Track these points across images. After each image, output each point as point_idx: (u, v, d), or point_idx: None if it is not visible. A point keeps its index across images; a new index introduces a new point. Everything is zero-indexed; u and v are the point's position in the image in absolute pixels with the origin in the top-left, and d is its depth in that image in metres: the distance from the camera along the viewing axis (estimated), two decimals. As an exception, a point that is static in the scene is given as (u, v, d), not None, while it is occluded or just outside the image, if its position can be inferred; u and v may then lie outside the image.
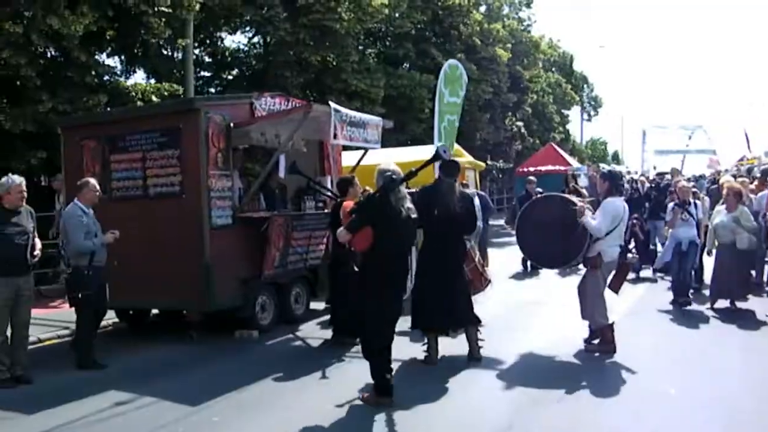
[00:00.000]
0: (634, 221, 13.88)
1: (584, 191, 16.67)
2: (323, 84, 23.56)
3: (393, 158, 14.32)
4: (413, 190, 7.81)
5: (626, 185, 16.36)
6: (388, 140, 23.95)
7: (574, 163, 32.12)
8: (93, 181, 8.12)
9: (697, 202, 11.36)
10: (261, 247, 9.41)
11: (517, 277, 14.91)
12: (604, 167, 19.04)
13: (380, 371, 6.41)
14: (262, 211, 9.96)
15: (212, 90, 24.91)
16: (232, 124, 9.27)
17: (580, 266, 8.68)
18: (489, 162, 35.87)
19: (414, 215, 6.37)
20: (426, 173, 12.32)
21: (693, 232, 10.85)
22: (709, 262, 11.38)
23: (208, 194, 8.86)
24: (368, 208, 6.23)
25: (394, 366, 7.26)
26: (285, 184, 11.28)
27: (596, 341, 8.26)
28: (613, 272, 8.22)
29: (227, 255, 9.07)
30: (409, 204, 6.36)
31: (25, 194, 7.51)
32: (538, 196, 9.65)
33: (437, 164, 7.96)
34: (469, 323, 7.84)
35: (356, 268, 6.47)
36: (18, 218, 7.35)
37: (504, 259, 16.38)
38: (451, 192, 7.61)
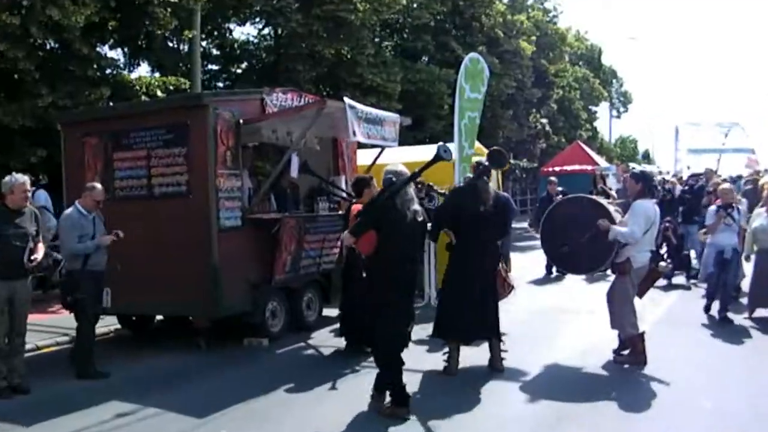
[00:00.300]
0: (667, 225, 13.80)
1: (613, 192, 16.62)
2: (337, 78, 23.60)
3: (410, 157, 14.48)
4: (444, 189, 7.87)
5: (658, 187, 16.30)
6: (405, 138, 23.93)
7: (602, 162, 32.00)
8: (100, 188, 8.16)
9: (739, 206, 11.09)
10: (271, 250, 9.44)
11: (541, 282, 14.88)
12: (634, 167, 18.90)
13: (393, 380, 6.44)
14: (273, 213, 9.99)
15: (220, 84, 25.02)
16: (241, 121, 9.30)
17: (608, 272, 8.64)
18: (512, 161, 35.76)
19: (421, 218, 6.47)
20: (442, 174, 12.52)
21: (736, 239, 10.60)
22: (747, 268, 11.29)
23: (216, 194, 8.89)
24: (372, 210, 6.38)
25: (412, 377, 7.23)
26: (297, 184, 11.30)
27: (626, 352, 8.23)
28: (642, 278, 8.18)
29: (236, 258, 9.09)
30: (416, 206, 6.46)
31: (29, 194, 7.55)
32: (567, 196, 9.61)
33: (475, 159, 8.06)
34: (497, 336, 7.84)
35: (364, 274, 6.58)
36: (21, 219, 7.39)
37: (527, 263, 16.34)
38: (485, 192, 7.65)
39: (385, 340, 6.42)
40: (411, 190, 6.50)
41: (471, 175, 9.23)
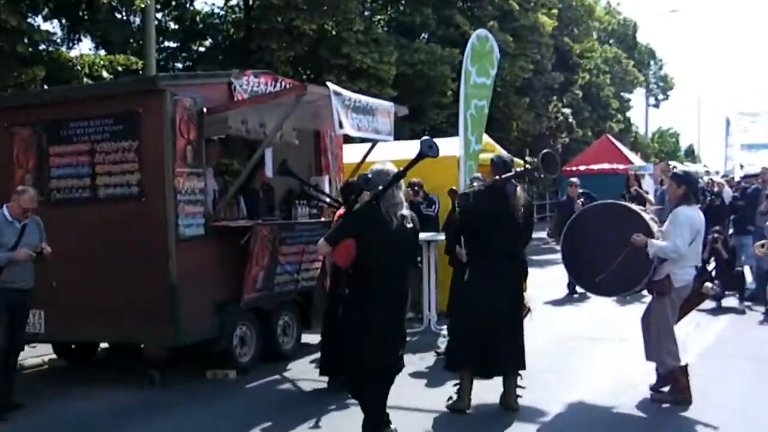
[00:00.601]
0: (716, 236, 13.81)
1: (649, 197, 16.65)
2: (320, 59, 23.64)
3: (407, 153, 14.47)
4: (468, 191, 7.88)
5: (705, 190, 16.32)
6: (401, 130, 24.00)
7: (636, 160, 32.15)
8: (30, 195, 8.12)
9: None
10: (240, 263, 9.43)
11: (562, 303, 14.95)
12: (676, 166, 18.95)
13: (371, 416, 6.52)
14: (243, 219, 9.99)
15: (179, 65, 25.03)
16: (205, 110, 9.30)
17: (644, 292, 8.67)
18: (528, 159, 35.67)
19: (411, 225, 6.56)
20: (445, 175, 12.55)
21: None
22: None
23: (174, 197, 8.87)
24: (351, 215, 6.61)
25: (408, 417, 7.20)
26: (271, 185, 11.32)
27: (666, 389, 8.23)
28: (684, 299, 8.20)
29: (198, 274, 9.09)
30: (404, 211, 6.55)
31: None
32: (594, 203, 9.62)
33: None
34: (521, 367, 7.87)
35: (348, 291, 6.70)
36: None
37: (546, 280, 16.46)
38: (515, 198, 7.71)
39: (357, 370, 6.55)
40: (400, 193, 6.58)
41: (479, 175, 9.28)
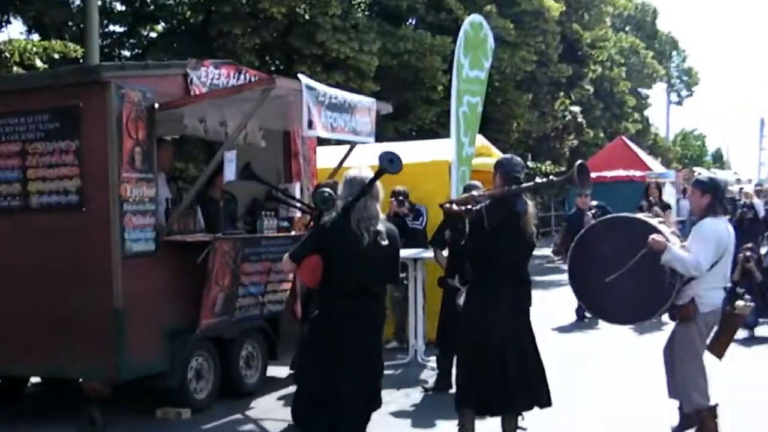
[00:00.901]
0: (748, 254, 13.86)
1: (670, 208, 16.74)
2: (290, 48, 23.64)
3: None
4: (483, 202, 7.84)
5: (736, 200, 16.42)
6: (384, 130, 23.99)
7: (656, 166, 32.31)
8: None
9: None
10: (197, 285, 9.41)
11: (570, 330, 15.05)
12: (700, 173, 19.07)
13: None
14: (200, 233, 9.99)
15: (127, 53, 24.95)
16: (156, 105, 9.31)
17: (664, 317, 8.73)
18: (530, 164, 36.00)
19: (386, 242, 6.62)
20: (433, 183, 12.58)
21: None
22: None
23: (120, 207, 8.87)
24: (316, 228, 6.90)
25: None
26: (234, 193, 11.36)
27: (691, 431, 8.27)
28: (716, 328, 8.22)
29: (147, 296, 9.09)
30: (380, 226, 6.63)
31: None
32: (605, 216, 9.67)
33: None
34: (546, 403, 7.86)
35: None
36: None
37: (550, 304, 16.51)
38: (526, 215, 7.67)
39: (307, 401, 6.68)
40: (374, 204, 6.65)
41: (476, 183, 9.33)
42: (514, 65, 31.02)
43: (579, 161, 7.73)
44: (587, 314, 15.01)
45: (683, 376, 8.14)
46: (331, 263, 6.48)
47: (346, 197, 6.60)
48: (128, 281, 8.91)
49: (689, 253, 7.88)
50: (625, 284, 8.07)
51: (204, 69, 10.31)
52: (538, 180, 7.87)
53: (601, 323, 13.97)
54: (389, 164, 6.41)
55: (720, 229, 8.03)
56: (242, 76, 10.90)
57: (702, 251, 7.84)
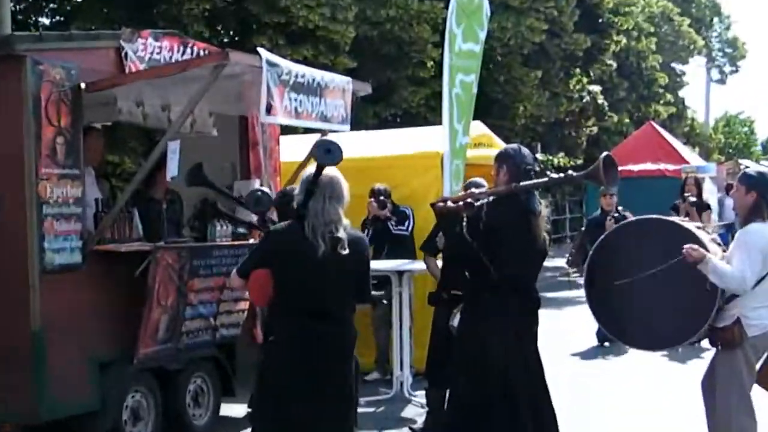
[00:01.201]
0: None
1: (710, 209, 16.66)
2: (247, 15, 23.49)
3: (370, 149, 14.51)
4: (484, 199, 7.72)
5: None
6: (362, 116, 23.96)
7: (693, 158, 32.30)
8: None
9: None
10: (134, 305, 9.31)
11: (588, 357, 15.08)
12: (748, 166, 18.95)
13: None
14: (137, 241, 9.85)
15: (45, 21, 24.74)
16: (83, 85, 9.20)
17: (704, 342, 8.65)
18: (540, 156, 36.00)
19: (347, 251, 6.57)
20: (421, 178, 12.49)
21: None
22: None
23: (38, 209, 8.76)
24: (264, 236, 7.02)
25: None
26: (179, 193, 11.26)
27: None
28: (766, 355, 8.14)
29: (72, 319, 8.98)
30: (341, 233, 6.59)
31: None
32: (629, 220, 9.59)
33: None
34: None
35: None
36: None
37: (564, 326, 16.64)
38: (537, 219, 7.64)
39: None
40: (335, 207, 6.62)
41: (479, 180, 9.24)
42: (519, 36, 30.99)
43: (605, 153, 7.66)
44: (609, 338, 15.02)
45: (725, 414, 8.01)
46: (281, 278, 6.53)
47: (300, 200, 6.64)
48: (49, 300, 8.80)
49: (731, 266, 7.78)
50: (652, 301, 8.10)
51: (142, 41, 10.21)
52: (552, 175, 7.76)
53: (627, 348, 14.03)
54: (326, 155, 6.43)
55: (766, 233, 7.93)
56: (189, 50, 10.83)
57: (747, 263, 7.74)
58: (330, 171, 6.63)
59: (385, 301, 11.93)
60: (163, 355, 9.78)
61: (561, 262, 22.90)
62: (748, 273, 7.69)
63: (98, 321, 9.26)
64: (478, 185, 8.75)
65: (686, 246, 7.76)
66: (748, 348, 7.91)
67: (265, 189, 7.16)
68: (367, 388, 12.00)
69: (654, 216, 9.08)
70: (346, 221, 6.66)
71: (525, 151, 7.82)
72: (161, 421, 9.93)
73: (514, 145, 8.12)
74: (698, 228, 8.57)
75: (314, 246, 6.43)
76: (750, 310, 7.86)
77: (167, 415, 10.01)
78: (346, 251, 6.54)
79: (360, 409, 11.21)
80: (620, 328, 8.65)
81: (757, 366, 8.07)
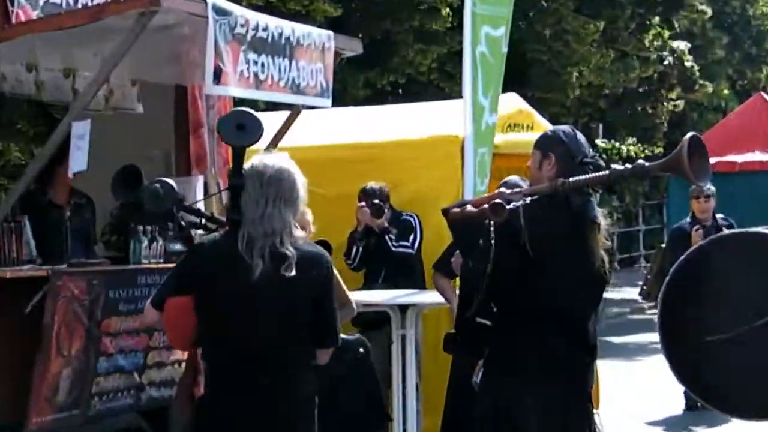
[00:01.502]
0: None
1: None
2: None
3: (363, 135, 14.56)
4: (519, 202, 7.65)
5: None
6: (350, 86, 23.96)
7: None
8: None
9: None
10: (24, 355, 9.34)
11: (676, 426, 15.13)
12: None
13: None
14: (29, 264, 9.95)
15: None
16: (-47, 43, 9.30)
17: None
18: (601, 141, 36.02)
19: (293, 272, 6.59)
20: (432, 175, 12.59)
21: None
22: None
23: None
24: (184, 254, 7.32)
25: None
26: (87, 195, 11.36)
27: None
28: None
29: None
30: (287, 248, 6.62)
31: None
32: (726, 232, 9.70)
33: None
34: None
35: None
36: None
37: (639, 382, 16.64)
38: (595, 233, 7.60)
39: None
40: (285, 212, 6.70)
41: (515, 179, 9.30)
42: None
43: (690, 134, 7.48)
44: (698, 402, 15.16)
45: None
46: (203, 310, 6.64)
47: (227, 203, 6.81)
48: None
49: None
50: (755, 352, 8.23)
51: (36, -19, 10.29)
52: (616, 167, 7.67)
53: (727, 417, 14.20)
54: (236, 133, 6.61)
55: None
56: (101, -7, 10.84)
57: None
58: (273, 159, 6.73)
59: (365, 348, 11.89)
60: (64, 426, 9.72)
61: (633, 293, 23.01)
62: None
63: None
64: (514, 186, 8.52)
65: None
66: None
67: (169, 181, 7.16)
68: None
69: (758, 229, 9.24)
70: (299, 233, 6.73)
71: (581, 136, 7.74)
72: None
73: (566, 127, 8.00)
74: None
75: (249, 265, 6.48)
76: None
77: None
78: (292, 273, 6.56)
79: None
80: (707, 387, 8.81)
81: None
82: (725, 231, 9.75)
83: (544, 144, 7.71)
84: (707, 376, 8.66)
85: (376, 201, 12.43)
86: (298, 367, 6.79)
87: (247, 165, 6.73)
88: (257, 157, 6.79)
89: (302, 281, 6.58)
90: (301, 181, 6.68)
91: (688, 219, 16.03)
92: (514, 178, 9.57)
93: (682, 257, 8.97)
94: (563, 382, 7.55)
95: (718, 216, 15.79)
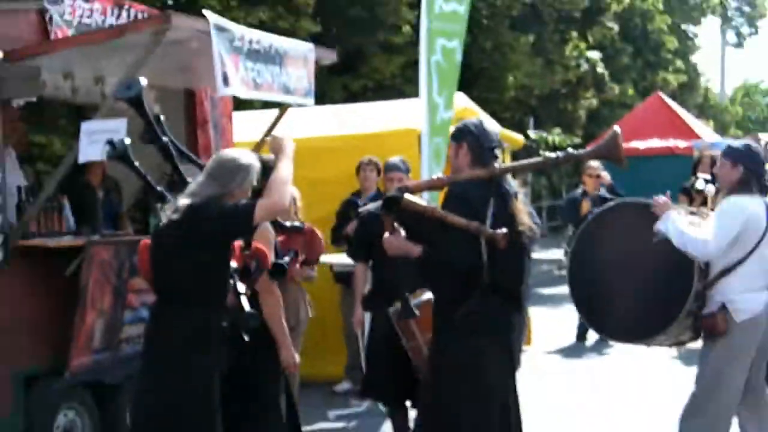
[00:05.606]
0: None
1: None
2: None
3: (337, 127, 14.53)
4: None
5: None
6: (329, 89, 23.90)
7: (707, 133, 32.21)
8: None
9: None
10: (65, 309, 9.30)
11: (571, 355, 15.39)
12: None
13: None
14: (68, 235, 9.87)
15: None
16: (1, 54, 9.17)
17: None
18: (532, 133, 36.06)
19: (176, 216, 6.80)
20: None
21: None
22: None
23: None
24: None
25: None
26: (117, 180, 11.32)
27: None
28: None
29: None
30: (183, 199, 6.88)
31: None
32: (610, 203, 9.71)
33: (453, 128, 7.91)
34: None
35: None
36: None
37: (556, 323, 16.76)
38: (514, 201, 7.32)
39: None
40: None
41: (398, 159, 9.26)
42: (507, -3, 31.08)
43: (617, 128, 7.37)
44: (592, 334, 15.62)
45: (705, 411, 8.19)
46: None
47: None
48: (-36, 305, 8.86)
49: (701, 234, 7.99)
50: (631, 291, 8.43)
51: (69, 3, 10.17)
52: (548, 155, 7.61)
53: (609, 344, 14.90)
54: (126, 91, 7.17)
55: (753, 209, 8.15)
56: (125, 13, 10.79)
57: (717, 229, 7.97)
58: (247, 158, 7.04)
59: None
60: (99, 367, 9.71)
61: (558, 253, 22.97)
62: (712, 242, 7.89)
63: (23, 328, 9.25)
64: (394, 166, 9.60)
65: (654, 200, 8.12)
66: (736, 337, 8.09)
67: (141, 78, 7.49)
68: (336, 401, 12.05)
69: (630, 199, 9.34)
70: (193, 187, 6.97)
71: (489, 126, 7.51)
72: (99, 441, 9.94)
73: (475, 119, 7.71)
74: (692, 213, 8.64)
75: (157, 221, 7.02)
76: (736, 294, 8.08)
77: (106, 435, 10.03)
78: (175, 216, 6.84)
79: (329, 425, 11.41)
80: (598, 320, 8.99)
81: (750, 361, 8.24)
82: (610, 201, 9.82)
83: (457, 135, 7.47)
84: (595, 309, 8.83)
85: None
86: (188, 302, 6.93)
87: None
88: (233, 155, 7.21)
89: (178, 225, 6.86)
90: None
91: (580, 191, 16.59)
92: (394, 159, 10.17)
93: (585, 221, 9.19)
94: (510, 339, 7.40)
95: (602, 189, 15.93)
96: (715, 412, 8.11)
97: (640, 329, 8.50)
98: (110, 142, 8.46)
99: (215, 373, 6.76)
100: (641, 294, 8.26)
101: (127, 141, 7.74)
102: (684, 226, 7.90)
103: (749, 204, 8.09)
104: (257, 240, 7.41)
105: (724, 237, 7.88)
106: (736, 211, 8.02)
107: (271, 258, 7.76)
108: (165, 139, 7.50)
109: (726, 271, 8.02)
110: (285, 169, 6.82)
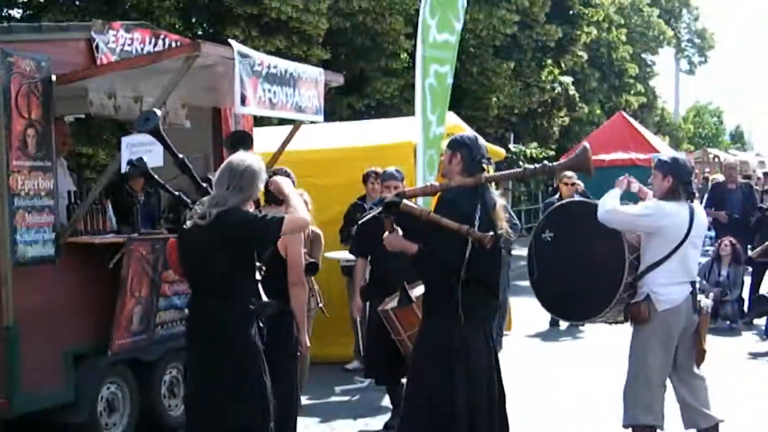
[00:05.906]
0: (728, 243, 15.00)
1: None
2: (219, 7, 23.39)
3: (343, 140, 14.54)
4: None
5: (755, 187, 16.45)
6: (336, 107, 23.86)
7: (663, 147, 32.28)
8: None
9: None
10: (108, 297, 9.33)
11: (547, 338, 15.32)
12: (718, 156, 19.09)
13: None
14: (111, 234, 9.85)
15: (17, 14, 24.58)
16: (54, 77, 9.18)
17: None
18: (513, 146, 35.99)
19: (204, 221, 6.76)
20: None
21: None
22: None
23: (10, 202, 8.73)
24: None
25: None
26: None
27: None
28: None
29: (45, 312, 8.95)
30: (211, 207, 6.81)
31: None
32: (562, 201, 9.93)
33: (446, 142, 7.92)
34: None
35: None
36: None
37: (535, 312, 16.44)
38: (492, 202, 7.34)
39: None
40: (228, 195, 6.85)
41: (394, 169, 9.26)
42: (491, 27, 30.99)
43: (586, 143, 7.55)
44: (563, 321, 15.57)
45: (628, 390, 8.41)
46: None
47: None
48: (22, 293, 8.79)
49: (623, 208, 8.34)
50: (578, 276, 8.59)
51: (113, 33, 10.19)
52: (528, 166, 7.72)
53: (580, 328, 14.95)
54: (144, 123, 6.98)
55: (678, 213, 8.29)
56: (160, 42, 10.79)
57: (628, 209, 8.34)
58: (244, 159, 6.91)
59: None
60: (137, 347, 9.76)
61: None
62: (615, 209, 8.26)
63: (72, 313, 9.24)
64: (390, 176, 9.73)
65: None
66: (658, 323, 8.25)
67: (156, 110, 7.43)
68: (343, 378, 12.06)
69: (578, 199, 9.92)
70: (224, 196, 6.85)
71: (482, 141, 7.54)
72: (137, 412, 9.89)
73: (470, 134, 7.92)
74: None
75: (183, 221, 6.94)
76: (659, 286, 8.22)
77: (143, 407, 9.98)
78: (203, 221, 6.78)
79: (335, 398, 11.40)
80: (549, 301, 9.13)
81: (674, 343, 8.38)
82: (567, 200, 10.12)
83: (454, 145, 7.45)
84: (547, 292, 8.98)
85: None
86: (224, 293, 6.89)
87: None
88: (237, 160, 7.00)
89: (209, 228, 6.80)
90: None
91: (557, 196, 16.38)
92: (390, 169, 10.42)
93: (543, 218, 9.50)
94: (490, 323, 7.54)
95: (576, 195, 16.01)
96: (645, 384, 8.28)
97: (588, 310, 8.69)
98: (130, 162, 8.63)
99: (260, 350, 6.77)
100: (588, 283, 8.42)
101: (146, 158, 7.87)
102: (612, 196, 8.32)
103: (673, 209, 8.26)
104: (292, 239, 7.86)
105: (625, 218, 8.26)
106: (657, 213, 8.25)
107: (305, 256, 8.25)
108: (181, 156, 7.43)
109: (652, 266, 8.20)
110: (294, 198, 6.97)
